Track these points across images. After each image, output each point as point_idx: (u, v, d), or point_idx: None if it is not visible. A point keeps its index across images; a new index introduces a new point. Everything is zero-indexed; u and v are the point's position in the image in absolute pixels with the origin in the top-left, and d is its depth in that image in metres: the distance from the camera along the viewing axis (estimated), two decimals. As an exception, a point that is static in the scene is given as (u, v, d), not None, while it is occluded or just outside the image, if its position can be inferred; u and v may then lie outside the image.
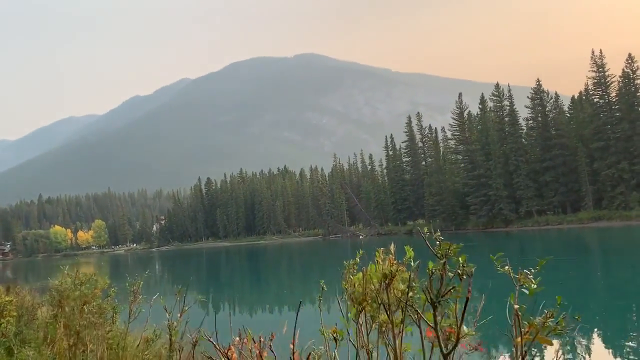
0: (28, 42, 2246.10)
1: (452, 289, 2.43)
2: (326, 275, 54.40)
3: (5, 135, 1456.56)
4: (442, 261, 2.45)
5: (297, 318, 3.71)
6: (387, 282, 2.90)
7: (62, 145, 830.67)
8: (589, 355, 15.23)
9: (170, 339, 5.40)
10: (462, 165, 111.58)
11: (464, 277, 2.41)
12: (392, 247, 3.06)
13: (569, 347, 14.89)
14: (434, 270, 2.51)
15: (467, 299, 2.41)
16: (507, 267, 2.39)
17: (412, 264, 2.91)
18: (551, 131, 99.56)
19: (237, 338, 3.45)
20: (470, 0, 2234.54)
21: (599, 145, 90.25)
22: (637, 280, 30.23)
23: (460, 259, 2.40)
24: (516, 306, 2.38)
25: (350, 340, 3.49)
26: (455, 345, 2.49)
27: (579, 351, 15.38)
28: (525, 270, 2.39)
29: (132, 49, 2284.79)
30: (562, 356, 2.52)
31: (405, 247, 2.95)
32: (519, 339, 2.40)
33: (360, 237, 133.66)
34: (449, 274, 2.45)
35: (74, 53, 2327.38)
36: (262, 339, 3.55)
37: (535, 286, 2.34)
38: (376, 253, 3.14)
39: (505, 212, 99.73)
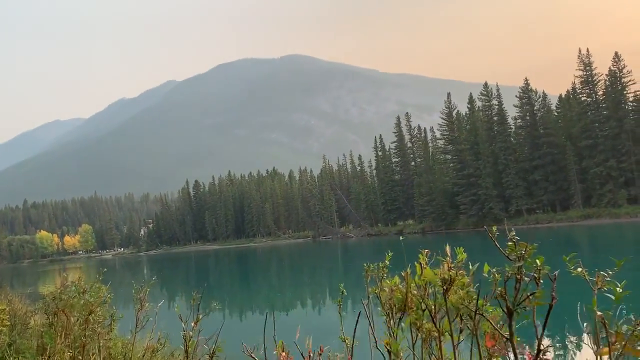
0: (10, 44, 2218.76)
1: (531, 295, 2.15)
2: (319, 276, 53.94)
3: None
4: (518, 264, 2.16)
5: (309, 324, 3.29)
6: (446, 287, 2.66)
7: (48, 150, 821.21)
8: None
9: (186, 351, 4.95)
10: (452, 165, 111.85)
11: (541, 281, 2.12)
12: (447, 248, 2.77)
13: None
14: (509, 274, 2.23)
15: (551, 306, 2.14)
16: (580, 269, 2.12)
17: (470, 267, 2.69)
18: (540, 130, 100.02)
19: (284, 354, 3.06)
20: (456, 1, 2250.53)
21: (587, 143, 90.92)
22: (629, 274, 30.16)
23: (537, 260, 2.13)
24: (599, 313, 2.09)
25: (377, 349, 3.16)
26: (537, 358, 2.21)
27: None
28: (602, 272, 2.13)
29: (118, 52, 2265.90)
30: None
31: (457, 249, 2.75)
32: (605, 350, 2.09)
33: (351, 238, 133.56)
34: (525, 278, 2.17)
35: (58, 56, 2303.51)
36: (311, 354, 3.16)
37: (621, 290, 2.06)
38: (420, 255, 2.97)
39: (495, 211, 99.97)
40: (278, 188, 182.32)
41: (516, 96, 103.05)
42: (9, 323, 8.87)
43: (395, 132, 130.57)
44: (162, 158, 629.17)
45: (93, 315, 8.64)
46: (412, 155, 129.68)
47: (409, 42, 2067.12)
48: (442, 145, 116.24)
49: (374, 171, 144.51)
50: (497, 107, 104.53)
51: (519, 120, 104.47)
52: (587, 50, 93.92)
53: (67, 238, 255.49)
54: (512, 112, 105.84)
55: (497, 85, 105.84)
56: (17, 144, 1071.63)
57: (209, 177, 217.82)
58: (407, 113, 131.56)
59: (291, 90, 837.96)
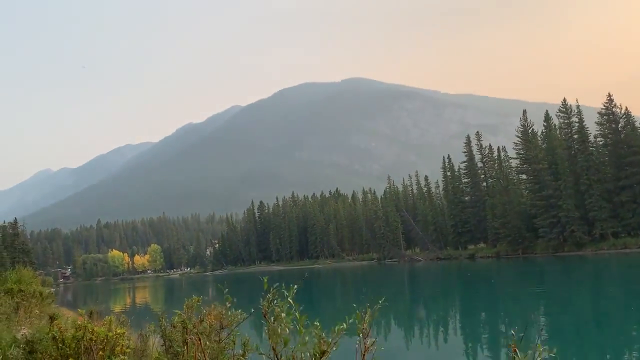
0: (82, 75, 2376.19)
1: None
2: (394, 304, 50.97)
3: (67, 163, 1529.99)
4: None
5: None
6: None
7: (119, 172, 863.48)
8: None
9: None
10: (528, 185, 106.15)
11: None
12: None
13: None
14: None
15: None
16: None
17: None
18: (625, 149, 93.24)
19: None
20: (517, 20, 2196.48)
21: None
22: None
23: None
24: None
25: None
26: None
27: None
28: None
29: (185, 79, 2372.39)
30: None
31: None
32: None
33: (419, 261, 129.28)
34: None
35: (132, 84, 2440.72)
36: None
37: None
38: None
39: (577, 235, 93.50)
40: (342, 209, 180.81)
41: (599, 112, 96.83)
42: (129, 350, 7.52)
43: (464, 152, 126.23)
44: (226, 180, 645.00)
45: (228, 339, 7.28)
46: (483, 176, 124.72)
47: (470, 63, 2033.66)
48: (518, 165, 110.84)
49: (442, 192, 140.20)
50: (577, 124, 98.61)
51: (600, 139, 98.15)
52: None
53: (137, 257, 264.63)
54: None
55: (577, 102, 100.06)
56: (91, 167, 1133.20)
57: (270, 198, 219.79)
58: (477, 132, 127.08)
59: (351, 112, 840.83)
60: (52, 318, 6.42)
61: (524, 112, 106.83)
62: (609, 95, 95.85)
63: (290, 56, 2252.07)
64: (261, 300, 4.52)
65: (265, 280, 4.68)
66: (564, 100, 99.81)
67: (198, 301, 7.93)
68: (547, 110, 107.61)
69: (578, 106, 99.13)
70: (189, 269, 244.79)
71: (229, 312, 5.68)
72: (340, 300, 58.43)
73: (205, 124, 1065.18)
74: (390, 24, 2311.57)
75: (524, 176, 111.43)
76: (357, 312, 3.75)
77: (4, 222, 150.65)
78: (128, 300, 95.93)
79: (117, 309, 68.88)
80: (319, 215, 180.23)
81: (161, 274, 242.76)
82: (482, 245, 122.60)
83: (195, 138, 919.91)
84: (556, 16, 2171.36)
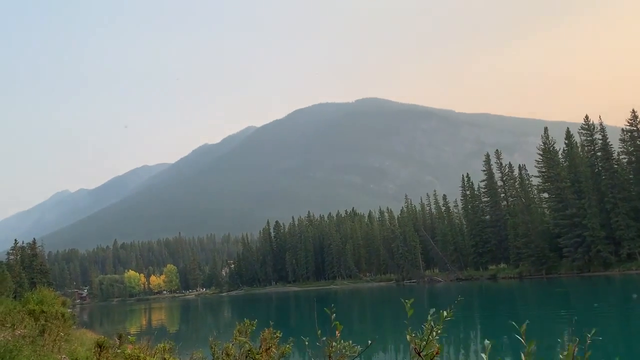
0: (98, 99, 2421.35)
1: None
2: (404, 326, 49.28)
3: (84, 184, 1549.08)
4: None
5: None
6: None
7: (136, 193, 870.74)
8: None
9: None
10: (551, 204, 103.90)
11: None
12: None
13: None
14: None
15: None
16: None
17: None
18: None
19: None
20: (534, 39, 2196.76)
21: None
22: None
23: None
24: None
25: None
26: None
27: None
28: None
29: (200, 100, 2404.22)
30: None
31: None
32: None
33: (439, 282, 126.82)
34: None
35: (148, 108, 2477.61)
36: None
37: None
38: None
39: (603, 255, 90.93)
40: (358, 229, 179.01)
41: (623, 128, 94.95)
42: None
43: (484, 170, 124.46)
44: (241, 200, 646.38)
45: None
46: (503, 195, 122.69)
47: (485, 82, 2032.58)
48: (539, 184, 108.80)
49: (461, 211, 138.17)
50: (600, 141, 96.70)
51: (623, 156, 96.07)
52: None
53: (152, 278, 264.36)
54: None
55: (600, 120, 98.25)
56: (108, 188, 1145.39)
57: (285, 218, 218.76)
58: (497, 150, 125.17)
59: (365, 132, 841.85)
60: (100, 346, 5.61)
61: (545, 129, 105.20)
62: (633, 111, 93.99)
63: (304, 76, 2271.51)
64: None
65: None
66: (586, 117, 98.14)
67: (252, 326, 7.07)
68: (568, 128, 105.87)
69: (601, 123, 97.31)
70: (204, 289, 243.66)
71: (341, 343, 4.72)
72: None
73: (221, 144, 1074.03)
74: (404, 44, 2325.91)
75: (545, 195, 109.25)
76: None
77: (23, 243, 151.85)
78: (144, 321, 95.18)
79: (133, 330, 68.12)
80: (336, 235, 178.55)
81: (177, 295, 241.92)
82: (503, 265, 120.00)
83: (211, 159, 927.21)
84: (574, 34, 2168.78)
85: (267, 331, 6.82)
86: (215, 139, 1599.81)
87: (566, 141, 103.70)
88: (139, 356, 5.14)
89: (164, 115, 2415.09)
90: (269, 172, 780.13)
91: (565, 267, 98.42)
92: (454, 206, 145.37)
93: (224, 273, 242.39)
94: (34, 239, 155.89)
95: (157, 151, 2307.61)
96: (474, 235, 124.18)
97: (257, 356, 5.29)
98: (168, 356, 5.74)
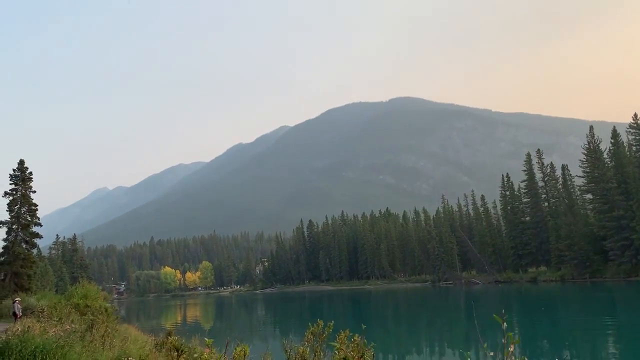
0: (135, 97, 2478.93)
1: None
2: (451, 334, 47.79)
3: (123, 182, 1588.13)
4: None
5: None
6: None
7: (172, 191, 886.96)
8: None
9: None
10: (596, 205, 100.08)
11: None
12: None
13: None
14: None
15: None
16: None
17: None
18: None
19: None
20: (566, 39, 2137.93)
21: None
22: None
23: None
24: None
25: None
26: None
27: None
28: None
29: (234, 101, 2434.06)
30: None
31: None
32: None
33: (476, 284, 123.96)
34: None
35: (185, 108, 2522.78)
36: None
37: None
38: None
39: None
40: (393, 229, 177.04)
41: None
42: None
43: (524, 170, 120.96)
44: (275, 199, 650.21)
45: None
46: (544, 196, 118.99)
47: (522, 81, 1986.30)
48: (583, 184, 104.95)
49: (500, 212, 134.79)
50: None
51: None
52: None
53: (188, 274, 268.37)
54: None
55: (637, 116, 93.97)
56: (145, 186, 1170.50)
57: (318, 218, 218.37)
58: (538, 150, 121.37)
59: (399, 132, 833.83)
60: (178, 350, 4.96)
61: (591, 127, 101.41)
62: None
63: (338, 76, 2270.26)
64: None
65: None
66: (635, 115, 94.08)
67: (329, 328, 6.31)
68: (614, 127, 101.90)
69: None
70: (238, 286, 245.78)
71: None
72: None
73: (255, 144, 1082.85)
74: (439, 43, 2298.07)
75: (589, 196, 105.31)
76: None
77: (64, 238, 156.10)
78: (179, 317, 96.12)
79: (169, 325, 68.73)
80: (370, 235, 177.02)
81: (212, 291, 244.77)
82: (543, 268, 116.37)
83: (245, 158, 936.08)
84: (614, 32, 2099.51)
85: (357, 337, 6.06)
86: (249, 138, 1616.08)
87: (612, 140, 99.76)
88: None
89: (199, 114, 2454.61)
90: (302, 172, 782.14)
91: (611, 271, 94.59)
92: (492, 207, 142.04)
93: (257, 271, 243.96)
94: (74, 234, 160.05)
95: (192, 150, 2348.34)
96: (514, 237, 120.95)
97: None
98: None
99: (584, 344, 33.34)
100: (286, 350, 6.01)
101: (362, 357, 4.51)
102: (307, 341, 6.41)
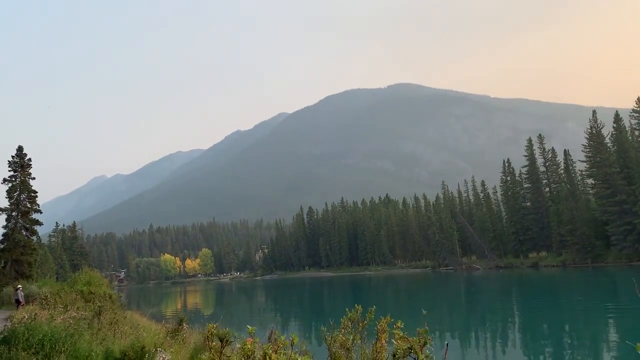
0: (132, 87, 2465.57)
1: None
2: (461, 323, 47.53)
3: (120, 170, 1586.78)
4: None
5: None
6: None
7: (170, 179, 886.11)
8: None
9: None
10: (598, 190, 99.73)
11: None
12: None
13: None
14: None
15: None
16: None
17: None
18: None
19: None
20: (565, 23, 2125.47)
21: None
22: None
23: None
24: None
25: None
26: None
27: None
28: None
29: (233, 87, 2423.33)
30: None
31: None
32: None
33: (477, 270, 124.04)
34: None
35: (182, 95, 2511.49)
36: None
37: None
38: None
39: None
40: (393, 215, 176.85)
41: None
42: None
43: (526, 156, 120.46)
44: (274, 186, 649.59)
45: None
46: (545, 181, 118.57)
47: (521, 67, 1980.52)
48: (585, 169, 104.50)
49: (500, 198, 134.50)
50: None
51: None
52: None
53: (188, 261, 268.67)
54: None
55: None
56: (143, 174, 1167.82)
57: (317, 204, 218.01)
58: (540, 135, 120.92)
59: (397, 118, 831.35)
60: (222, 340, 4.40)
61: (594, 112, 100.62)
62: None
63: (336, 62, 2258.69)
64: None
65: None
66: (638, 99, 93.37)
67: (371, 313, 5.75)
68: (617, 111, 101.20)
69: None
70: (238, 273, 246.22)
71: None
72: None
73: (253, 131, 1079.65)
74: (436, 29, 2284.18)
75: (591, 181, 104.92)
76: None
77: (64, 226, 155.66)
78: (179, 304, 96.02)
79: (170, 312, 68.49)
80: (370, 221, 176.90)
81: (212, 278, 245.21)
82: (544, 253, 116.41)
83: (243, 145, 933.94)
84: (612, 17, 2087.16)
85: (385, 319, 5.51)
86: (248, 125, 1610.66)
87: (614, 125, 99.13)
88: (269, 355, 3.93)
89: (197, 101, 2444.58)
90: (300, 159, 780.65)
91: (612, 256, 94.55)
92: (493, 193, 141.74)
93: (257, 257, 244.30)
94: (74, 222, 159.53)
95: (191, 137, 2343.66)
96: (515, 222, 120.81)
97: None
98: (292, 353, 4.49)
99: (585, 328, 33.00)
100: (326, 339, 5.46)
101: (424, 345, 3.95)
102: (343, 328, 5.85)
